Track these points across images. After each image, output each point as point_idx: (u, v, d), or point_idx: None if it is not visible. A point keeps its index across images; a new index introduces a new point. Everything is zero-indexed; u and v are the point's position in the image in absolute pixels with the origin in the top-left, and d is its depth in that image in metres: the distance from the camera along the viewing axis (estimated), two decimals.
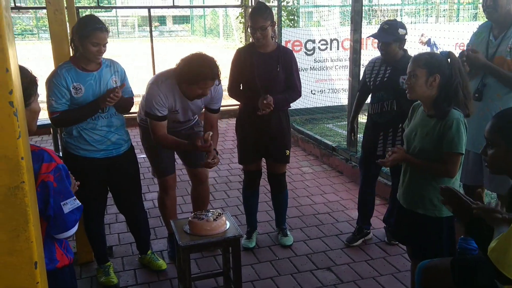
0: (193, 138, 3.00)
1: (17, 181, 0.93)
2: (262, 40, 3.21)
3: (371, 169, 3.52)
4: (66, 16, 3.24)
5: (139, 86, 5.05)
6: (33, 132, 1.70)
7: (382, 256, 3.42)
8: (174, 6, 8.60)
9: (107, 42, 2.77)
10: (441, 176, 2.33)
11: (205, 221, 2.58)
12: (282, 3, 7.52)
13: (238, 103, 3.56)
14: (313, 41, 7.19)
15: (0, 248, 0.95)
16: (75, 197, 1.74)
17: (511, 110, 1.93)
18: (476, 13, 10.28)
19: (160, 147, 3.16)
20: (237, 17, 9.43)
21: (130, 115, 3.26)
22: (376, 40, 3.39)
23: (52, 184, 1.65)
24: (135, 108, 3.19)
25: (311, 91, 7.21)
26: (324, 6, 10.78)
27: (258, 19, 3.15)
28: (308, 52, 7.18)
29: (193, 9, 26.07)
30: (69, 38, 3.02)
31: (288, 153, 3.49)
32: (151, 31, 7.82)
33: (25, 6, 18.26)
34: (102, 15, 21.87)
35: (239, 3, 8.42)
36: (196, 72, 2.79)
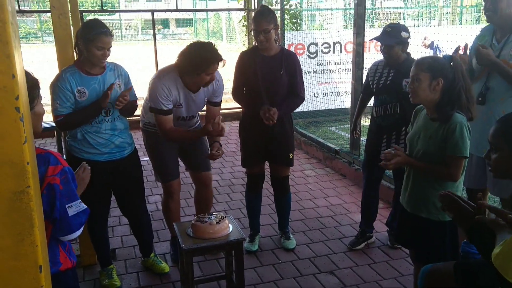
0: (202, 127, 3.00)
1: (22, 186, 0.94)
2: (265, 43, 3.21)
3: (374, 172, 3.51)
4: (70, 20, 3.26)
5: (142, 89, 5.06)
6: (39, 134, 1.71)
7: (385, 259, 3.41)
8: (177, 10, 8.61)
9: (111, 46, 2.79)
10: (444, 180, 2.33)
11: (208, 224, 2.58)
12: (285, 6, 7.53)
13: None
14: (316, 44, 7.21)
15: (6, 252, 0.95)
16: (80, 200, 1.75)
17: None
18: (479, 16, 10.28)
19: (164, 150, 3.16)
20: (240, 20, 9.45)
21: (133, 117, 3.28)
22: (379, 43, 3.39)
23: (58, 187, 1.65)
24: (138, 111, 3.20)
25: (314, 94, 7.22)
26: (327, 9, 10.79)
27: (262, 22, 3.15)
28: (311, 55, 7.20)
29: (196, 12, 26.14)
30: (73, 42, 3.04)
31: (291, 156, 3.49)
32: (154, 34, 7.87)
33: (29, 10, 18.33)
34: (105, 18, 22.00)
35: (242, 6, 8.44)
36: (200, 60, 2.81)
